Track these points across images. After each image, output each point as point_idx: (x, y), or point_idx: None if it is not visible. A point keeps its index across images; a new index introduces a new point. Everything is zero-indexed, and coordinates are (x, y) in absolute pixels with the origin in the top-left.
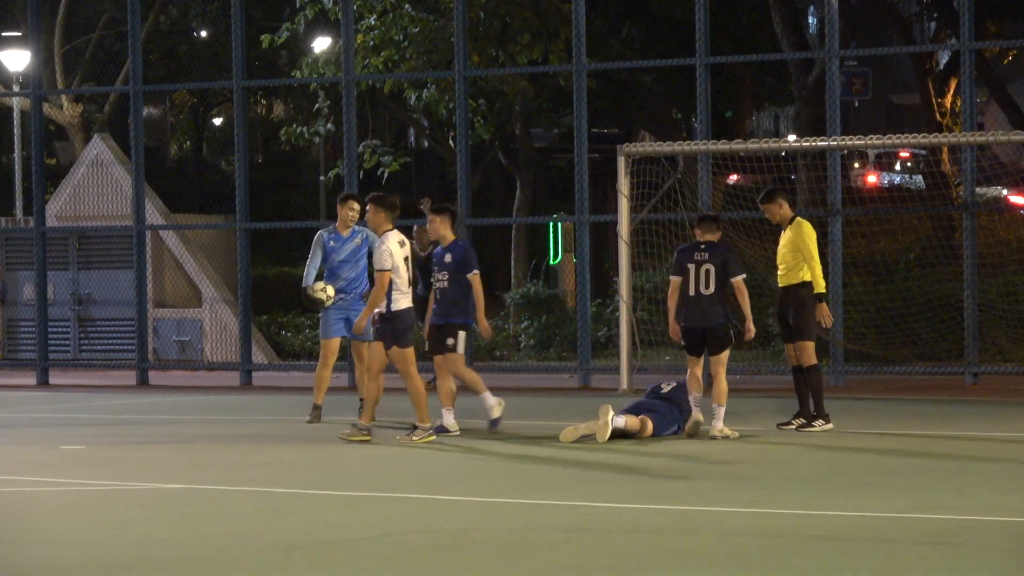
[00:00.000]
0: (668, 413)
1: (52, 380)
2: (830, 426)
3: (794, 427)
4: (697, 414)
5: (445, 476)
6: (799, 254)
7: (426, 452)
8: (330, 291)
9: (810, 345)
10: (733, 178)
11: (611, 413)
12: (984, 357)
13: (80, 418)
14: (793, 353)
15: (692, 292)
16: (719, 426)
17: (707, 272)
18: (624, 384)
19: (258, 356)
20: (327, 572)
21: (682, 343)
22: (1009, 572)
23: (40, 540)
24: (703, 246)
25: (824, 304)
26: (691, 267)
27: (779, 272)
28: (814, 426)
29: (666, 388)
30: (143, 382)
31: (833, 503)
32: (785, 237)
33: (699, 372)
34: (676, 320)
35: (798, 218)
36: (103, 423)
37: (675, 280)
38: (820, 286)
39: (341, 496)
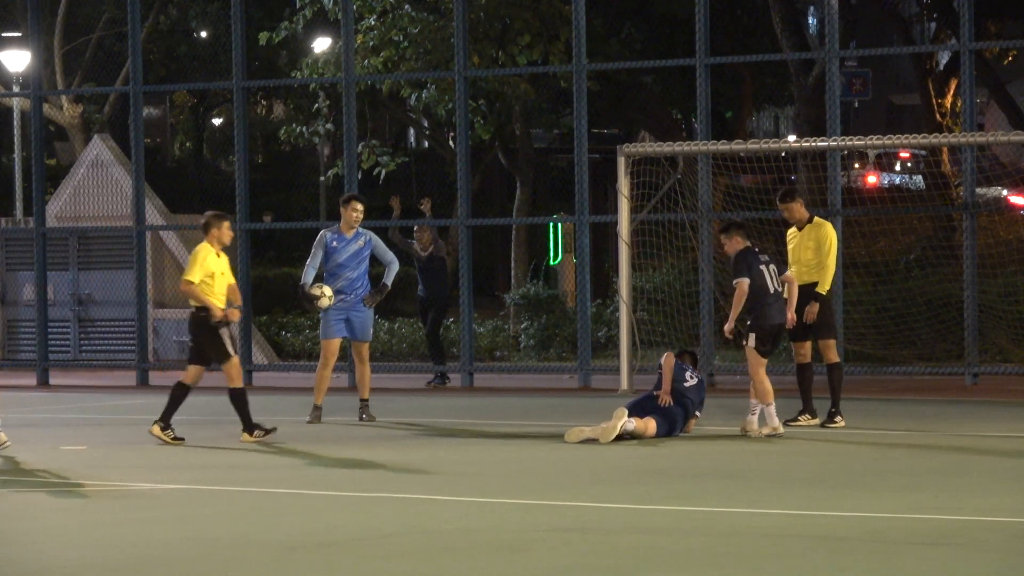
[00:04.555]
0: (674, 415)
1: (52, 380)
2: (843, 424)
3: (802, 423)
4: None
5: (445, 476)
6: (819, 253)
7: (426, 452)
8: (328, 291)
9: (834, 343)
10: (746, 179)
11: (624, 418)
12: (984, 357)
13: (80, 418)
14: (802, 351)
15: (771, 290)
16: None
17: (773, 272)
18: (624, 384)
19: (258, 356)
20: (327, 572)
21: (750, 343)
22: (1009, 573)
23: (40, 540)
24: (756, 249)
25: (819, 304)
26: (762, 268)
27: (792, 271)
28: (836, 422)
29: (691, 382)
30: (143, 382)
31: (833, 503)
32: (804, 236)
33: None
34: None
35: (818, 218)
36: (103, 423)
37: (745, 280)
38: (825, 287)
39: (341, 496)
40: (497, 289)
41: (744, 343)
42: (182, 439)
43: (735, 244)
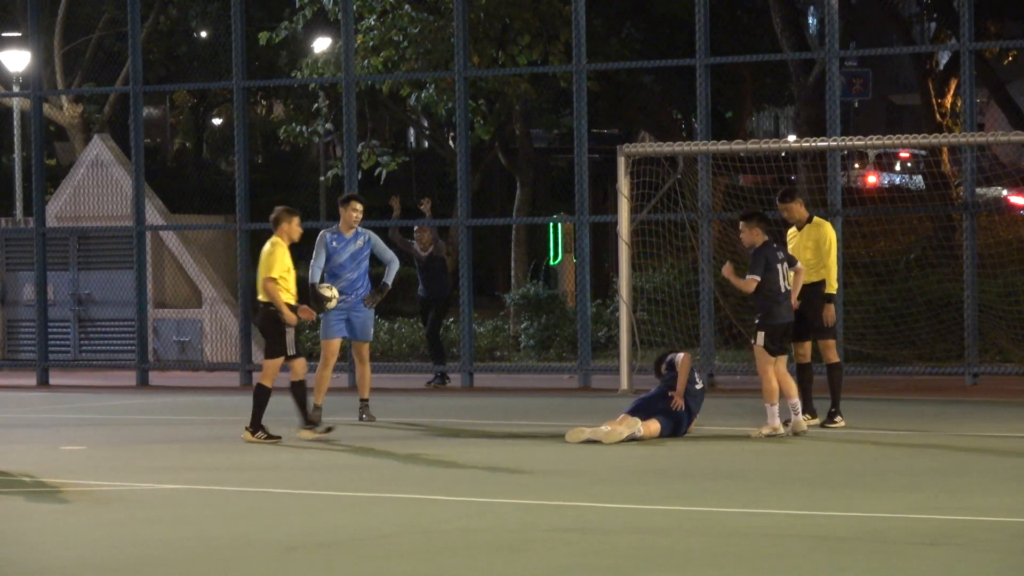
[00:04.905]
0: (680, 418)
1: (52, 380)
2: (843, 424)
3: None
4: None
5: (445, 476)
6: (819, 253)
7: (426, 452)
8: (336, 292)
9: (834, 343)
10: (742, 179)
11: (637, 427)
12: (984, 357)
13: (80, 418)
14: (802, 351)
15: (782, 290)
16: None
17: (785, 270)
18: (624, 384)
19: (258, 356)
20: (327, 572)
21: (759, 342)
22: (1008, 572)
23: (40, 540)
24: (775, 245)
25: (832, 305)
26: (778, 266)
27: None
28: (836, 422)
29: (699, 384)
30: (143, 383)
31: (833, 503)
32: (803, 236)
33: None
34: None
35: (817, 218)
36: (103, 423)
37: (756, 280)
38: (833, 287)
39: (341, 496)
40: (497, 289)
41: (752, 342)
42: (331, 429)
43: (755, 236)
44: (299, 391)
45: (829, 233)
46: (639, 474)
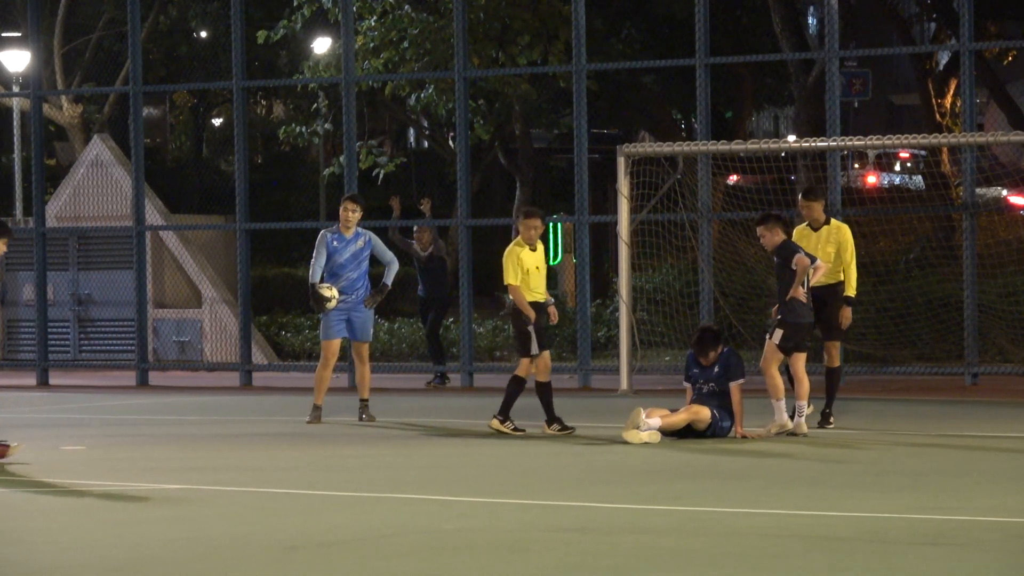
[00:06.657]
0: (713, 426)
1: (52, 381)
2: (833, 423)
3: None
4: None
5: (445, 476)
6: (842, 257)
7: (426, 452)
8: (336, 292)
9: (839, 345)
10: (733, 178)
11: (657, 440)
12: (984, 357)
13: (80, 418)
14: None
15: (804, 288)
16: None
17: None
18: (624, 384)
19: (258, 356)
20: (327, 572)
21: (774, 339)
22: (1009, 573)
23: (40, 540)
24: (795, 243)
25: (849, 308)
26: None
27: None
28: (831, 422)
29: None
30: (143, 383)
31: (833, 503)
32: (822, 239)
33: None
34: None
35: (835, 220)
36: (103, 423)
37: (803, 256)
38: (853, 289)
39: (341, 496)
40: (497, 289)
41: (768, 337)
42: (523, 430)
43: (776, 236)
44: (543, 390)
45: (850, 236)
46: (639, 474)
